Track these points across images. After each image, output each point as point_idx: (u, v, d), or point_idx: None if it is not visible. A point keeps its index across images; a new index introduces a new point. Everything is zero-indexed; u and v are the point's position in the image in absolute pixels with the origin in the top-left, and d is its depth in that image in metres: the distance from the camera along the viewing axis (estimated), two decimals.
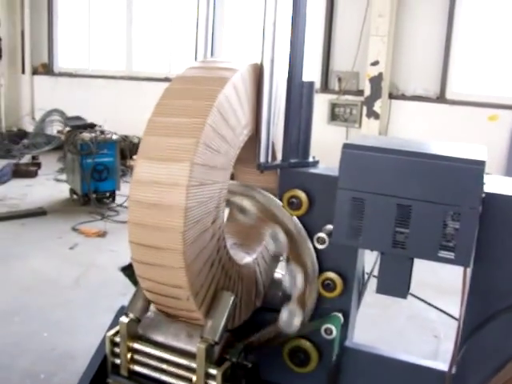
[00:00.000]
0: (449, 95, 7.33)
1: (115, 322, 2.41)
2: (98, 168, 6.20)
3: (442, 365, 2.40)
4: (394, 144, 2.20)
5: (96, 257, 4.79)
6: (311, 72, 2.48)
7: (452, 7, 7.03)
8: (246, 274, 2.43)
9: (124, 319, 2.21)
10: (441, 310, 4.08)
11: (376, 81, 7.37)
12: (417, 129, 7.36)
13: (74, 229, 5.47)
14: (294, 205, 2.42)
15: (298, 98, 2.43)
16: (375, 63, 7.29)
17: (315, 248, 2.37)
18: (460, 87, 7.27)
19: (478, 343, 2.21)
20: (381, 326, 3.76)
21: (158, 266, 2.02)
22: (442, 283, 4.46)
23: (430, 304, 4.18)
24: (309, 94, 2.46)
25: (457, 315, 3.74)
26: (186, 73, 2.26)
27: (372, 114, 7.52)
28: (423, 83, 7.44)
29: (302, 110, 2.45)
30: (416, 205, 2.03)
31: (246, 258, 2.50)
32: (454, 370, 2.25)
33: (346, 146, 2.13)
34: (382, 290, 2.24)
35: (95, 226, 5.57)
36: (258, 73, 2.30)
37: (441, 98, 7.37)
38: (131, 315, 2.23)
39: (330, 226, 2.31)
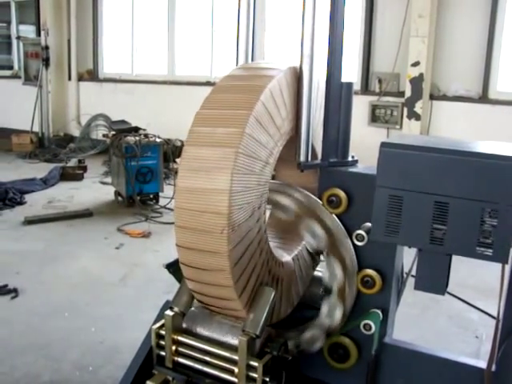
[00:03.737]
0: (491, 95, 7.22)
1: (160, 316, 2.51)
2: (142, 171, 6.38)
3: (482, 362, 2.40)
4: (431, 142, 2.24)
5: (141, 256, 4.94)
6: (351, 73, 2.52)
7: (495, 5, 6.92)
8: (285, 271, 2.49)
9: (169, 313, 2.29)
10: (481, 311, 4.04)
11: (417, 82, 7.31)
12: (459, 130, 7.27)
13: (120, 230, 5.65)
14: (333, 203, 2.47)
15: (337, 98, 2.48)
16: (416, 64, 7.25)
17: (354, 245, 2.42)
18: (503, 86, 7.15)
19: None
20: (421, 325, 3.76)
21: (204, 268, 2.11)
22: (482, 284, 4.42)
23: (470, 304, 4.15)
24: (348, 95, 2.51)
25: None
26: (225, 81, 2.33)
27: (413, 115, 7.47)
28: (465, 83, 7.34)
29: (340, 110, 2.50)
30: (453, 202, 2.06)
31: (285, 256, 2.56)
32: (493, 368, 2.26)
33: (383, 145, 2.17)
34: (420, 286, 2.27)
35: (140, 227, 5.73)
36: (297, 75, 2.36)
37: (483, 98, 7.26)
38: (176, 309, 2.31)
39: (368, 224, 2.35)
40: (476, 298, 4.22)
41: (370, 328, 2.40)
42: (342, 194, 2.46)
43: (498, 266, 2.11)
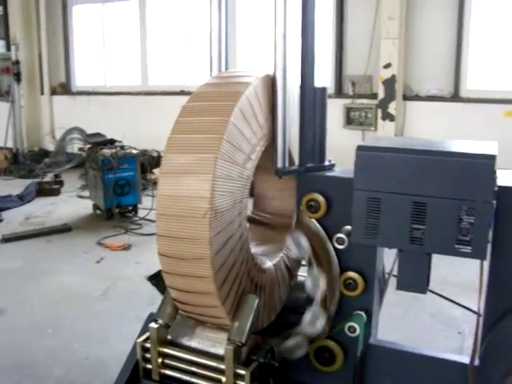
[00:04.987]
0: (463, 93, 7.34)
1: (145, 329, 2.49)
2: (119, 183, 6.33)
3: (466, 358, 2.44)
4: (406, 144, 2.27)
5: (122, 269, 4.90)
6: (324, 77, 2.55)
7: (461, 5, 7.06)
8: (268, 278, 2.51)
9: (154, 325, 2.29)
10: (463, 307, 4.09)
11: (389, 83, 7.41)
12: (432, 128, 7.37)
13: (99, 243, 5.60)
14: (312, 208, 2.49)
15: (312, 103, 2.51)
16: (388, 66, 7.34)
17: (335, 248, 2.44)
18: (474, 85, 7.28)
19: (499, 335, 2.25)
20: (405, 324, 3.79)
21: (187, 275, 2.11)
22: (463, 281, 4.47)
23: (452, 301, 4.20)
24: (322, 100, 2.54)
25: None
26: (201, 90, 2.35)
27: (387, 117, 7.55)
28: (437, 83, 7.45)
29: (316, 116, 2.53)
30: (431, 201, 2.09)
31: (267, 263, 2.57)
32: (476, 363, 2.30)
33: (359, 148, 2.20)
34: (401, 286, 2.30)
35: (120, 240, 5.69)
36: (270, 82, 2.38)
37: (455, 97, 7.38)
38: (160, 321, 2.31)
39: (348, 227, 2.37)
40: (457, 294, 4.27)
41: (355, 330, 2.42)
42: (320, 198, 2.48)
43: (478, 262, 2.15)
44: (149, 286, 4.45)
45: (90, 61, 10.45)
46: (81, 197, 7.69)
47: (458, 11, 7.08)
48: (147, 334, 2.36)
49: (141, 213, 6.61)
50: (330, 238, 2.45)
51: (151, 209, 6.49)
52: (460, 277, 4.52)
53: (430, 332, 3.73)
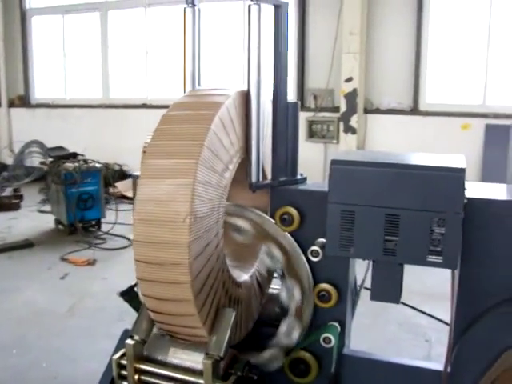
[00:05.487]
0: (422, 107, 7.58)
1: (120, 346, 2.46)
2: (82, 197, 6.24)
3: (438, 365, 2.51)
4: (379, 157, 2.33)
5: (88, 285, 4.82)
6: (287, 91, 2.60)
7: (419, 22, 7.30)
8: (243, 291, 2.52)
9: (130, 341, 2.27)
10: (429, 315, 4.20)
11: (351, 97, 7.57)
12: (393, 141, 7.58)
13: (63, 259, 5.49)
14: (286, 221, 2.52)
15: (284, 118, 2.55)
16: (349, 80, 7.50)
17: (309, 261, 2.47)
18: (432, 98, 7.53)
19: (469, 341, 2.32)
20: (373, 334, 3.85)
21: (164, 282, 2.08)
22: (426, 289, 4.60)
23: (418, 310, 4.30)
24: (294, 114, 2.59)
25: (445, 319, 3.90)
26: (180, 101, 2.37)
27: (349, 130, 7.71)
28: (397, 96, 7.67)
29: (288, 130, 2.57)
30: (403, 213, 2.15)
31: (242, 276, 2.58)
32: (448, 369, 2.36)
33: (333, 162, 2.25)
34: (375, 296, 2.35)
35: (84, 255, 5.59)
36: (244, 98, 2.41)
37: (414, 110, 7.61)
38: (136, 337, 2.29)
39: (322, 240, 2.41)
40: (422, 303, 4.38)
41: (330, 341, 2.45)
42: (293, 211, 2.51)
43: (441, 271, 2.22)
44: (117, 302, 4.39)
45: (50, 73, 10.29)
46: (42, 211, 7.51)
47: (416, 28, 7.32)
48: (122, 351, 2.33)
49: (104, 227, 6.52)
50: (304, 251, 2.48)
51: (115, 223, 6.42)
52: (424, 286, 4.63)
53: (399, 341, 3.81)
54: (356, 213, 2.22)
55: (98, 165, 6.40)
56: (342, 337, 2.54)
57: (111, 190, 7.87)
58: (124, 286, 4.73)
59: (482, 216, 2.22)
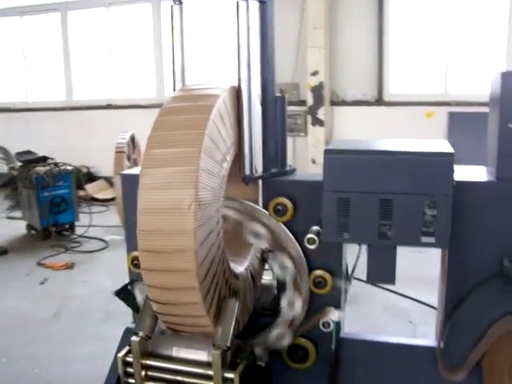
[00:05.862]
0: (386, 97, 7.77)
1: (123, 344, 2.47)
2: (55, 201, 6.15)
3: (430, 341, 2.63)
4: (369, 145, 2.41)
5: (69, 288, 4.77)
6: (274, 85, 2.66)
7: (381, 15, 7.48)
8: (241, 282, 2.56)
9: (135, 338, 2.28)
10: (411, 298, 4.33)
11: (317, 90, 7.69)
12: (359, 131, 7.74)
13: (40, 264, 5.41)
14: (280, 212, 2.58)
15: (273, 112, 2.60)
16: (315, 73, 7.62)
17: (305, 249, 2.53)
18: (396, 89, 7.72)
19: (460, 317, 2.44)
20: (359, 318, 3.94)
21: (169, 270, 2.08)
22: (405, 273, 4.71)
23: (399, 294, 4.43)
24: (282, 107, 2.65)
25: (425, 301, 4.05)
26: (177, 94, 2.39)
27: (317, 122, 7.83)
28: (361, 88, 7.84)
29: (277, 123, 2.63)
30: (396, 198, 2.24)
31: (238, 268, 2.63)
32: (442, 345, 2.47)
33: (327, 152, 2.32)
34: (371, 279, 2.44)
35: (61, 259, 5.52)
36: (235, 93, 2.45)
37: (379, 101, 7.80)
38: (141, 333, 2.30)
39: (316, 227, 2.48)
40: (402, 287, 4.50)
41: (329, 325, 2.53)
42: (287, 202, 2.57)
43: (418, 255, 2.33)
44: (101, 304, 4.41)
45: (10, 76, 10.04)
46: (11, 218, 7.36)
47: (378, 20, 7.50)
48: (127, 348, 2.34)
49: (78, 230, 6.45)
50: (299, 240, 2.54)
51: (89, 225, 6.35)
52: (402, 271, 4.75)
53: (384, 324, 3.94)
54: (351, 199, 2.30)
55: (69, 167, 6.32)
56: (338, 321, 2.62)
57: (80, 192, 7.76)
58: (106, 288, 4.75)
59: (469, 197, 2.33)
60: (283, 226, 2.55)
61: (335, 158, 2.31)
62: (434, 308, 4.00)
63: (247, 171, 2.53)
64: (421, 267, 4.49)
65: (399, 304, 4.28)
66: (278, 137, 2.65)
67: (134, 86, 9.07)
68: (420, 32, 7.54)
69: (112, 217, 7.26)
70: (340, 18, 7.63)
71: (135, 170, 2.93)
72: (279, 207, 2.58)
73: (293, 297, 2.56)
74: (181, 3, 2.48)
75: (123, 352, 2.35)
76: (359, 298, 4.20)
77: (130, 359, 2.31)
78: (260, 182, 2.70)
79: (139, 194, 2.11)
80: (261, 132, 2.59)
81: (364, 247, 2.44)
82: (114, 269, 5.27)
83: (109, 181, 8.97)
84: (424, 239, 2.25)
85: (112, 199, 8.19)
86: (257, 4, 2.49)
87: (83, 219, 6.61)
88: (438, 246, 2.27)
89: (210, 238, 2.17)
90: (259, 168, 2.67)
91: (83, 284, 4.87)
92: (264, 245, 2.58)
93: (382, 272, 2.42)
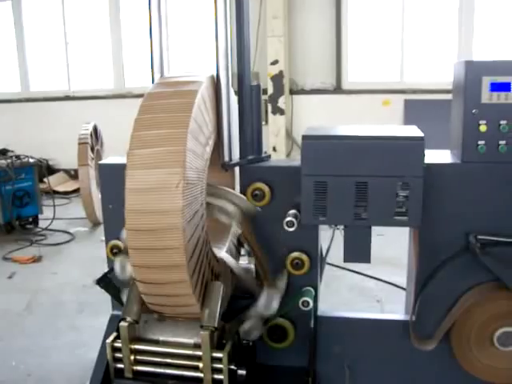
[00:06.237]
0: (345, 85, 7.95)
1: (110, 331, 2.52)
2: (17, 194, 6.05)
3: (403, 316, 2.79)
4: (344, 131, 2.53)
5: (39, 281, 4.73)
6: (250, 74, 2.74)
7: (339, 4, 7.63)
8: (221, 266, 2.64)
9: (123, 323, 2.33)
10: (375, 278, 4.52)
11: (277, 79, 7.79)
12: (319, 119, 7.90)
13: (6, 258, 5.33)
14: (257, 196, 2.67)
15: (249, 100, 2.69)
16: (275, 62, 7.72)
17: (283, 232, 2.62)
18: (354, 77, 7.91)
19: (430, 291, 2.60)
20: (329, 299, 4.10)
21: (157, 248, 2.12)
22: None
23: (365, 274, 4.61)
24: (257, 96, 2.74)
25: (389, 281, 4.24)
26: (161, 81, 2.45)
27: (277, 111, 7.94)
28: (320, 77, 7.99)
29: (253, 111, 2.71)
30: (371, 180, 2.36)
31: (219, 252, 2.71)
32: (413, 318, 2.63)
33: (305, 138, 2.42)
34: (348, 258, 2.56)
35: (27, 253, 5.45)
36: (214, 83, 2.52)
37: (338, 89, 7.97)
38: (129, 319, 2.35)
39: (293, 211, 2.58)
40: (367, 268, 4.69)
41: (308, 304, 2.64)
42: (264, 187, 2.66)
43: (378, 238, 2.49)
44: (73, 295, 4.42)
45: None
46: None
47: (336, 10, 7.66)
48: (115, 334, 2.39)
49: (41, 223, 6.37)
50: (277, 224, 2.63)
51: (53, 218, 6.28)
52: None
53: (353, 303, 4.10)
54: (328, 183, 2.41)
55: (31, 160, 6.22)
56: (315, 300, 2.74)
57: (41, 185, 7.62)
58: (76, 279, 4.75)
59: (437, 178, 2.48)
60: (249, 202, 2.63)
61: (312, 143, 2.42)
62: (398, 287, 4.22)
63: (226, 158, 2.61)
64: (382, 249, 4.69)
65: (365, 284, 4.47)
66: (253, 124, 2.73)
67: (92, 77, 8.94)
68: (377, 21, 7.74)
69: (74, 209, 7.20)
70: (299, 7, 7.75)
71: (113, 160, 2.96)
72: (257, 192, 2.67)
73: (271, 296, 2.63)
74: None
75: (111, 338, 2.39)
76: (327, 281, 4.32)
77: (118, 345, 2.36)
78: (237, 168, 2.78)
79: (127, 173, 2.14)
80: (237, 120, 2.67)
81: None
82: (82, 260, 5.28)
83: (69, 173, 8.86)
84: (397, 219, 2.38)
85: (74, 191, 8.10)
86: None
87: (46, 212, 6.53)
88: (410, 224, 2.42)
89: (196, 219, 2.22)
90: (236, 155, 2.76)
91: (52, 276, 4.84)
92: (232, 220, 2.64)
93: (357, 252, 2.54)
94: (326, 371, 2.77)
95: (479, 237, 2.48)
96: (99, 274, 2.69)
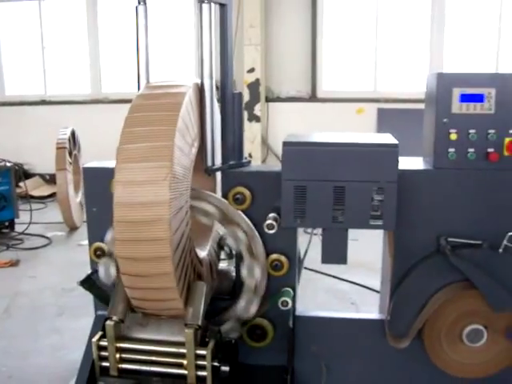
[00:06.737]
0: (319, 94, 8.12)
1: (95, 330, 2.57)
2: None
3: (377, 315, 2.91)
4: (323, 138, 2.65)
5: (17, 285, 4.73)
6: (232, 82, 2.85)
7: (314, 14, 7.82)
8: (204, 266, 2.73)
9: (110, 322, 2.39)
10: (350, 282, 4.66)
11: (254, 86, 7.92)
12: (294, 127, 8.00)
13: None
14: (239, 200, 2.76)
15: (231, 107, 2.79)
16: (251, 70, 7.85)
17: (263, 235, 2.73)
18: (329, 86, 8.09)
19: (404, 291, 2.72)
20: (305, 301, 4.20)
21: (143, 239, 2.18)
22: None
23: (339, 278, 4.74)
24: (239, 103, 2.83)
25: (364, 284, 4.37)
26: (149, 85, 2.55)
27: (253, 118, 8.07)
28: (296, 85, 8.15)
29: (235, 118, 2.81)
30: (348, 185, 2.49)
31: (201, 253, 2.79)
32: (388, 317, 2.76)
33: (285, 144, 2.53)
34: (326, 260, 2.67)
35: (3, 257, 5.44)
36: (198, 89, 2.62)
37: (312, 97, 8.14)
38: (115, 317, 2.41)
39: (273, 214, 2.69)
40: (341, 272, 4.83)
41: (287, 304, 2.73)
42: (245, 191, 2.76)
43: (352, 242, 2.63)
44: (52, 299, 4.44)
45: None
46: None
47: (312, 20, 7.83)
48: (100, 333, 2.44)
49: (17, 228, 6.34)
50: (256, 226, 2.73)
51: (30, 223, 6.27)
52: None
53: (329, 305, 4.21)
54: (307, 187, 2.52)
55: (8, 164, 6.20)
56: (294, 300, 2.84)
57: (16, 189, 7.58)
58: (54, 283, 4.77)
59: (411, 184, 2.61)
60: (228, 203, 2.71)
61: (293, 149, 2.53)
62: (371, 290, 4.36)
63: (209, 162, 2.70)
64: (356, 254, 4.84)
65: (340, 287, 4.59)
66: (235, 131, 2.83)
67: (69, 81, 8.93)
68: (351, 32, 7.95)
69: (51, 213, 7.19)
70: (275, 16, 7.91)
71: (97, 164, 3.03)
72: (238, 196, 2.76)
73: (251, 264, 2.71)
74: (145, 4, 2.60)
75: (97, 337, 2.45)
76: (303, 284, 4.41)
77: (103, 343, 2.42)
78: (219, 173, 2.87)
79: (116, 168, 2.21)
80: (220, 126, 2.77)
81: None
82: (60, 264, 5.29)
83: (44, 178, 8.82)
84: (373, 222, 2.51)
85: (49, 196, 8.08)
86: (218, 7, 2.64)
87: (22, 216, 6.50)
88: (385, 227, 2.54)
89: (181, 213, 2.29)
90: (219, 160, 2.85)
91: (31, 280, 4.85)
92: (213, 221, 2.73)
93: (335, 253, 2.66)
94: (304, 369, 2.87)
95: (450, 239, 2.62)
96: (78, 278, 2.73)
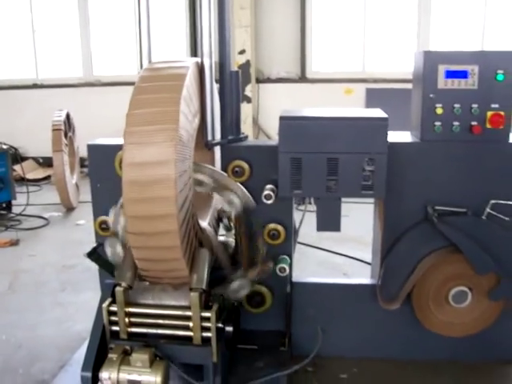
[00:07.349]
0: (309, 75, 8.24)
1: (104, 297, 2.72)
2: None
3: (369, 280, 3.09)
4: (317, 113, 2.80)
5: (18, 263, 4.86)
6: (231, 60, 2.97)
7: None
8: (205, 236, 2.87)
9: (119, 288, 2.53)
10: (341, 254, 4.84)
11: (245, 68, 8.02)
12: (284, 107, 8.10)
13: None
14: (238, 173, 2.91)
15: (229, 85, 2.92)
16: (242, 52, 7.95)
17: (262, 204, 2.87)
18: (318, 67, 8.21)
19: (394, 257, 2.89)
20: (299, 273, 4.38)
21: (151, 198, 2.30)
22: (333, 235, 5.20)
23: (331, 251, 4.93)
24: (236, 81, 2.98)
25: (355, 256, 4.54)
26: (150, 66, 2.66)
27: (245, 99, 8.17)
28: (285, 66, 8.26)
29: (233, 95, 2.95)
30: (341, 157, 2.64)
31: (202, 223, 2.94)
32: (379, 282, 2.93)
33: (282, 118, 2.68)
34: (320, 227, 2.84)
35: (3, 237, 5.55)
36: (198, 68, 2.74)
37: (302, 78, 8.25)
38: (123, 284, 2.56)
39: (270, 186, 2.83)
40: (333, 245, 5.01)
41: (285, 270, 2.90)
42: (244, 164, 2.90)
43: (343, 218, 2.79)
44: (54, 275, 4.57)
45: None
46: None
47: (301, 1, 7.92)
48: (110, 299, 2.59)
49: (14, 210, 6.44)
50: (255, 198, 2.88)
51: (27, 204, 6.37)
52: (330, 233, 5.24)
53: (322, 276, 4.35)
54: (303, 159, 2.67)
55: (4, 146, 6.28)
56: (290, 267, 3.01)
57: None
58: (54, 261, 4.91)
59: (400, 155, 2.77)
60: (220, 172, 2.81)
61: (289, 123, 2.68)
62: (362, 261, 4.55)
63: (209, 137, 2.84)
64: (347, 229, 5.03)
65: (332, 260, 4.77)
66: (233, 107, 2.97)
67: (60, 65, 8.97)
68: (340, 13, 8.05)
69: (46, 195, 7.29)
70: None
71: (101, 141, 3.15)
72: (237, 169, 2.91)
73: (243, 285, 2.77)
74: None
75: (107, 302, 2.59)
76: (296, 257, 4.61)
77: (113, 309, 2.57)
78: (217, 151, 3.01)
79: (125, 132, 2.33)
80: (219, 103, 2.91)
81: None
82: (58, 243, 5.43)
83: (37, 161, 8.89)
84: (364, 191, 2.68)
85: (44, 179, 8.16)
86: None
87: (18, 199, 6.59)
88: (375, 196, 2.71)
89: (185, 176, 2.41)
90: (218, 135, 2.99)
91: (31, 258, 4.97)
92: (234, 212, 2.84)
93: (329, 221, 2.83)
94: (301, 333, 3.04)
95: (436, 207, 2.79)
96: (77, 256, 2.84)
